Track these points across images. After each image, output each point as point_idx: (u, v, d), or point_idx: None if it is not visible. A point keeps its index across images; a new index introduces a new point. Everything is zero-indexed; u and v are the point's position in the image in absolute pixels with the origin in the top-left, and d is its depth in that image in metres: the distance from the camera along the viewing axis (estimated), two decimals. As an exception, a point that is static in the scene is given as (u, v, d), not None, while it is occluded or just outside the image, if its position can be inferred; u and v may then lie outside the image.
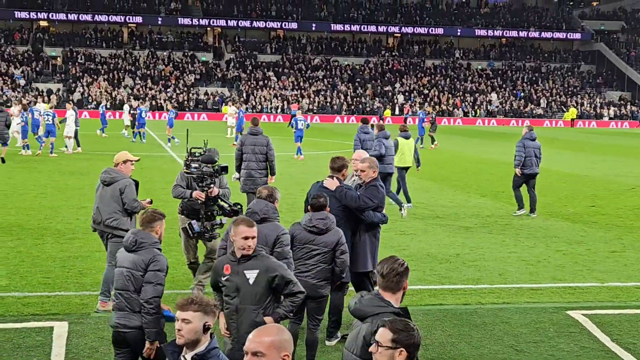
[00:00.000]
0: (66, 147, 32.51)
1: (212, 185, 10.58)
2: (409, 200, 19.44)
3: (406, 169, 19.86)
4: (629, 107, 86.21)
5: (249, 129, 16.33)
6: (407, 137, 19.91)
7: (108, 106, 44.17)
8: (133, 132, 40.14)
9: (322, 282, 8.36)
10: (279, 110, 75.54)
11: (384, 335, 4.57)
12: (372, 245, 9.67)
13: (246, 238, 6.66)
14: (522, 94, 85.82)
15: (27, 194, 20.49)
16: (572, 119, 78.25)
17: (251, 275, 6.69)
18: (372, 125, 23.02)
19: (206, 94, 76.93)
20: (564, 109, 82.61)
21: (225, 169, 10.71)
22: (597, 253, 14.82)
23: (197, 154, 10.88)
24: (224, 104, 72.23)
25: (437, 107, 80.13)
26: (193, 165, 10.72)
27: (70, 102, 39.06)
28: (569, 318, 10.51)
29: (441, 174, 27.85)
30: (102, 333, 9.33)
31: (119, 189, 10.29)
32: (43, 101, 46.39)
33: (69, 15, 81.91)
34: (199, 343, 5.09)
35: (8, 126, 28.70)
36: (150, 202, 10.62)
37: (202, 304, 5.10)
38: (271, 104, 76.82)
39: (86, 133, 40.74)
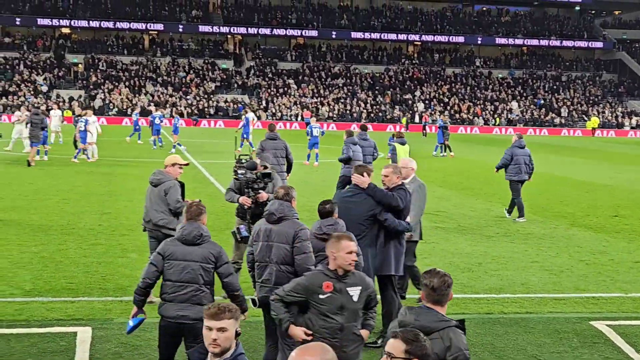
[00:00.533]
0: (85, 153, 32.34)
1: (260, 191, 10.84)
2: None
3: None
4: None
5: (267, 134, 17.68)
6: (402, 143, 21.06)
7: (163, 114, 42.93)
8: (154, 139, 40.25)
9: None
10: (298, 118, 75.57)
11: (396, 346, 4.56)
12: (397, 250, 9.68)
13: (350, 252, 6.51)
14: (542, 103, 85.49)
15: (50, 199, 20.61)
16: (593, 128, 77.87)
17: (354, 292, 6.60)
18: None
19: (226, 101, 77.15)
20: (585, 118, 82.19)
21: (267, 175, 10.90)
22: (621, 263, 14.73)
23: (243, 161, 11.21)
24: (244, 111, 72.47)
25: (456, 115, 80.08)
26: (239, 171, 11.06)
27: (91, 108, 39.55)
28: (592, 328, 10.45)
29: (463, 183, 27.79)
30: (125, 339, 9.37)
31: (164, 190, 10.81)
32: (58, 107, 46.63)
33: (90, 22, 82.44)
34: (229, 350, 5.09)
35: (43, 129, 29.78)
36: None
37: (232, 310, 5.07)
38: (291, 111, 76.92)
39: (113, 139, 40.99)
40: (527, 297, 11.91)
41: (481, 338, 9.87)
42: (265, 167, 11.37)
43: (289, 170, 17.59)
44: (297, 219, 8.12)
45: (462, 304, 11.44)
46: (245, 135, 38.54)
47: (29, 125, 30.24)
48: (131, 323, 7.65)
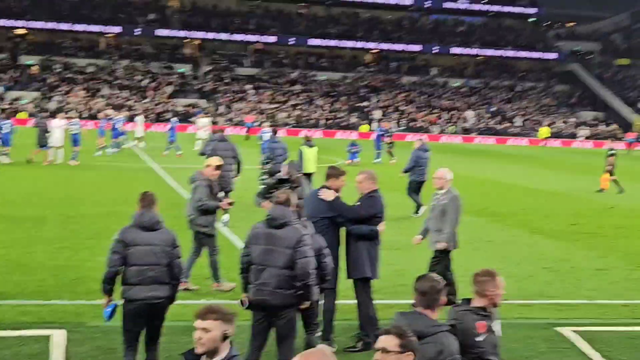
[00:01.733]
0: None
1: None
2: None
3: (309, 174, 21.97)
4: (601, 127, 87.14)
5: (219, 135, 19.38)
6: (310, 146, 22.92)
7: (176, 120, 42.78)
8: (112, 142, 39.93)
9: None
10: (255, 123, 75.38)
11: (390, 341, 4.71)
12: (370, 252, 9.85)
13: (501, 288, 6.21)
14: (494, 109, 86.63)
15: (12, 201, 20.42)
16: (546, 138, 78.99)
17: (497, 326, 6.33)
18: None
19: (186, 105, 76.75)
20: (535, 129, 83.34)
21: (285, 181, 11.13)
22: (583, 270, 15.04)
23: (267, 166, 11.62)
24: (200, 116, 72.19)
25: (411, 123, 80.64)
26: (262, 177, 11.48)
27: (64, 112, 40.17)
28: (559, 334, 10.66)
29: (423, 191, 27.97)
30: (99, 342, 9.38)
31: (193, 188, 12.02)
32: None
33: (46, 23, 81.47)
34: (218, 352, 5.15)
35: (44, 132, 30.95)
36: (231, 204, 12.50)
37: (222, 312, 5.16)
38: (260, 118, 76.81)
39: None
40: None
41: (453, 343, 10.01)
42: (291, 175, 11.68)
43: (238, 171, 18.65)
44: (297, 224, 8.23)
45: (432, 310, 11.57)
46: (171, 139, 39.34)
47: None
48: (108, 310, 8.08)
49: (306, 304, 8.15)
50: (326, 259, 8.76)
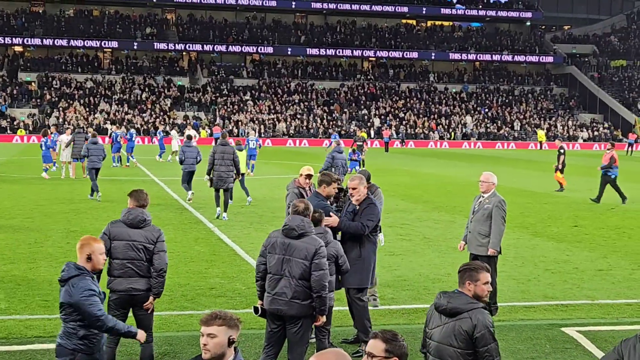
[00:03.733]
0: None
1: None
2: (247, 194, 24.29)
3: (241, 175, 24.30)
4: (601, 129, 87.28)
5: (220, 140, 21.70)
6: (240, 150, 24.75)
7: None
8: (112, 156, 40.08)
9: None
10: (256, 133, 75.54)
11: (376, 346, 4.80)
12: (374, 261, 10.10)
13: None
14: (488, 110, 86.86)
15: (14, 218, 20.48)
16: (541, 142, 79.16)
17: None
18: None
19: (185, 117, 76.91)
20: (534, 132, 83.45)
21: (341, 190, 11.25)
22: (585, 272, 15.08)
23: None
24: (200, 128, 72.40)
25: (412, 130, 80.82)
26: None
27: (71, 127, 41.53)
28: (563, 334, 10.72)
29: (423, 196, 28.10)
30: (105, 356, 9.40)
31: (286, 195, 12.07)
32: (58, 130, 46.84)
33: (44, 40, 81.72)
34: (224, 357, 5.20)
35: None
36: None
37: (226, 318, 5.21)
38: (247, 127, 76.93)
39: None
40: (498, 306, 12.15)
41: (457, 346, 10.07)
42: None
43: (237, 173, 21.17)
44: (315, 234, 8.23)
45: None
46: (129, 150, 40.80)
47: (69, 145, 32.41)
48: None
49: (322, 320, 8.20)
50: (344, 266, 9.06)
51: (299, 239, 8.00)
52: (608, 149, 27.68)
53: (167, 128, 74.02)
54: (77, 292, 6.80)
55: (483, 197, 11.70)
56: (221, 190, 20.77)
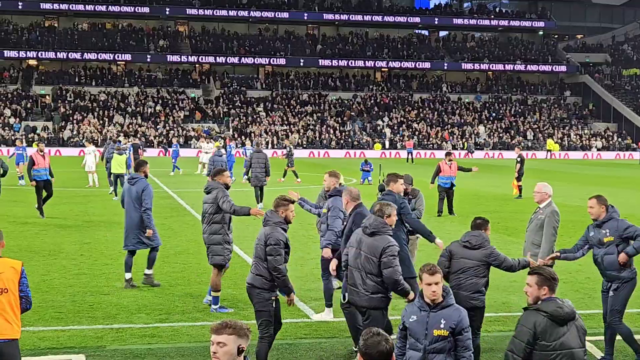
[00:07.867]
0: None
1: None
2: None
3: (120, 175, 28.56)
4: (616, 138, 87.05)
5: (255, 148, 27.37)
6: (120, 154, 28.91)
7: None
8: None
9: (475, 294, 9.43)
10: (268, 145, 75.78)
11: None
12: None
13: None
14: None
15: (28, 230, 20.61)
16: (549, 150, 79.08)
17: None
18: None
19: (199, 129, 77.22)
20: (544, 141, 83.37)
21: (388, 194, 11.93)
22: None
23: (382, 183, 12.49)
24: (212, 139, 72.55)
25: (425, 140, 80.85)
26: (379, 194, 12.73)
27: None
28: (575, 344, 10.68)
29: (427, 204, 28.04)
30: (119, 366, 9.49)
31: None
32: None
33: (57, 53, 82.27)
34: (232, 365, 5.26)
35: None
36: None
37: (236, 327, 5.27)
38: (261, 138, 77.14)
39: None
40: (510, 316, 12.18)
41: (468, 356, 10.07)
42: (406, 188, 13.13)
43: (267, 174, 25.48)
44: (390, 234, 8.88)
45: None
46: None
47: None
48: None
49: (411, 295, 8.72)
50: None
51: (372, 237, 8.82)
52: None
53: (181, 140, 74.57)
54: None
55: (539, 207, 11.86)
56: (256, 188, 25.68)
